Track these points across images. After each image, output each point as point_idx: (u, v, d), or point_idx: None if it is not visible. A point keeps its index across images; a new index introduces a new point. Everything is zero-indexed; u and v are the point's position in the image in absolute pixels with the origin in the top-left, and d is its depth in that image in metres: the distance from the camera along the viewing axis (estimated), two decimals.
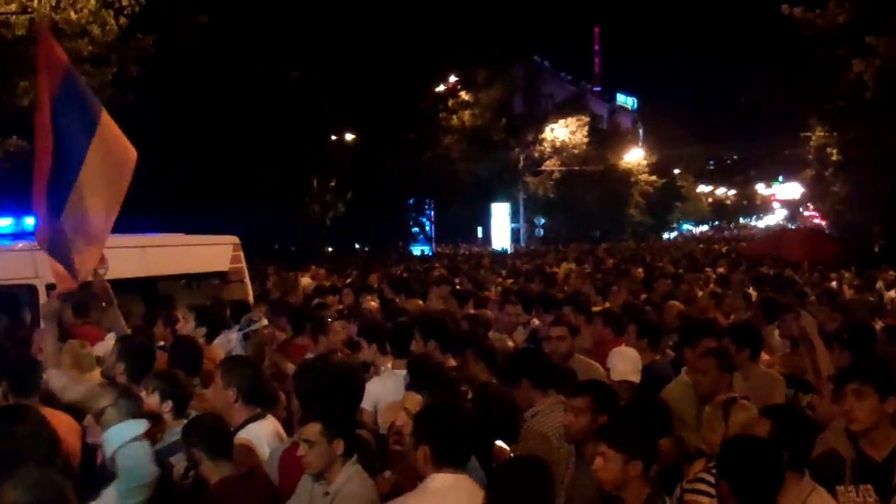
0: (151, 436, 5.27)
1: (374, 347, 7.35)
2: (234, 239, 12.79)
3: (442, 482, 4.06)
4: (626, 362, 6.49)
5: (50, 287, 9.27)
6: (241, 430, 5.25)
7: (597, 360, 7.40)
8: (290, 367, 7.33)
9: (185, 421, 5.38)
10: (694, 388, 6.05)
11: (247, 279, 12.96)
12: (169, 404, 5.44)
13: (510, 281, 17.70)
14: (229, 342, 8.82)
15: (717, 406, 5.04)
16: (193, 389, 5.99)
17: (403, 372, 6.19)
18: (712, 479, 4.35)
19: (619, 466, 4.19)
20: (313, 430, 4.51)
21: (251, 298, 12.38)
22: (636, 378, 6.49)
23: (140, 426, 4.06)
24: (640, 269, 21.24)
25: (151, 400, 5.41)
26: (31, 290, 9.50)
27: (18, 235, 10.35)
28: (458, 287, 14.77)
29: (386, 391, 6.28)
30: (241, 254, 12.83)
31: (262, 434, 5.31)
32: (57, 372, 4.36)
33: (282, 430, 5.57)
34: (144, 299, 10.76)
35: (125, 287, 10.22)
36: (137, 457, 3.95)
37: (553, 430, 5.46)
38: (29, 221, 10.05)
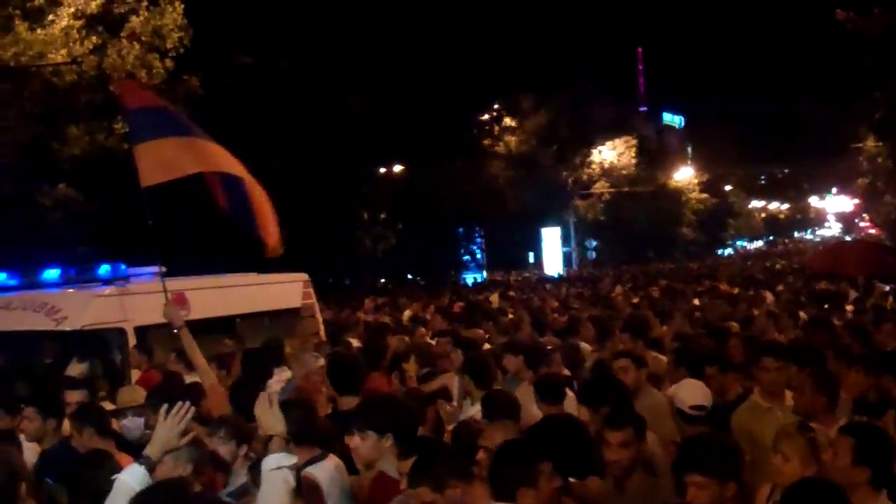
0: (217, 480, 5.35)
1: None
2: (304, 276, 13.28)
3: None
4: (691, 392, 6.26)
5: (139, 329, 9.54)
6: (305, 469, 5.20)
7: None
8: None
9: (249, 463, 5.43)
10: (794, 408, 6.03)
11: (318, 314, 13.36)
12: (245, 448, 5.52)
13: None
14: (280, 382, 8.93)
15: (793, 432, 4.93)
16: (254, 433, 6.03)
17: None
18: None
19: (715, 492, 4.22)
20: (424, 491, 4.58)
21: (323, 333, 12.71)
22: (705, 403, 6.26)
23: (291, 459, 4.42)
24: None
25: (227, 446, 5.47)
26: (122, 332, 9.82)
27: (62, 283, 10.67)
28: (511, 315, 14.73)
29: None
30: (312, 290, 13.29)
31: (320, 474, 5.26)
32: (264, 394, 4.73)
33: (343, 469, 5.54)
34: (227, 338, 10.94)
35: (207, 327, 10.62)
36: (278, 486, 4.28)
37: None
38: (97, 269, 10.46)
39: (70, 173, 20.65)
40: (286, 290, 12.88)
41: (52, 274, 10.88)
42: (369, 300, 18.73)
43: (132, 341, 9.82)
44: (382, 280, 41.59)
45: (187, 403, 4.34)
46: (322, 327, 13.32)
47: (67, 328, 9.55)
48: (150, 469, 4.20)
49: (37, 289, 10.59)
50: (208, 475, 5.26)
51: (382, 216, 37.86)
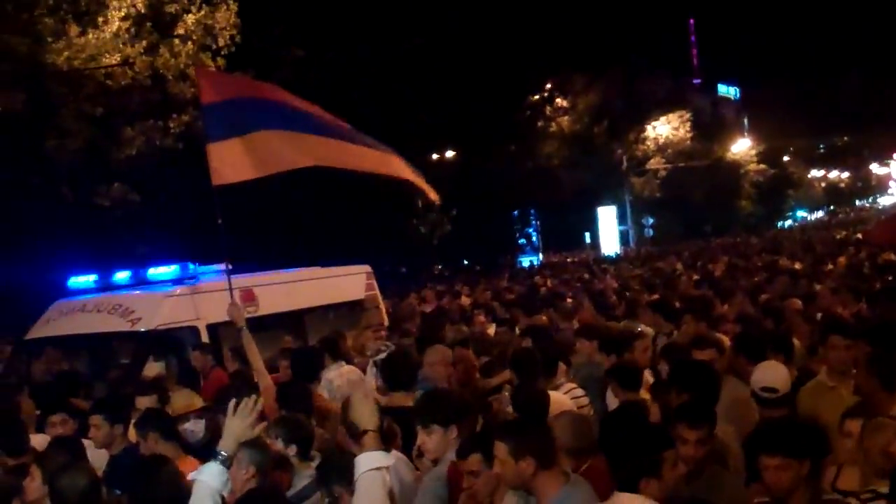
0: (283, 481, 5.41)
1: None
2: (367, 268, 13.56)
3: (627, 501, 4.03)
4: (765, 373, 6.15)
5: (210, 327, 9.70)
6: None
7: None
8: None
9: (312, 464, 5.48)
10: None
11: (381, 305, 13.54)
12: (294, 448, 5.55)
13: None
14: (342, 376, 9.01)
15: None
16: (313, 431, 6.08)
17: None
18: None
19: (794, 473, 4.28)
20: (475, 460, 4.66)
21: (386, 323, 12.88)
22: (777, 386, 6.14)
23: (389, 459, 4.21)
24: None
25: (276, 445, 5.51)
26: (194, 331, 10.07)
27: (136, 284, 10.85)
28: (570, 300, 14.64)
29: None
30: (374, 281, 13.51)
31: (392, 461, 5.31)
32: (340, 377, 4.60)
33: (405, 464, 5.58)
34: (294, 332, 11.31)
35: (277, 321, 10.86)
36: (377, 485, 4.07)
37: None
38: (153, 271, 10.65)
39: (126, 174, 20.92)
40: (350, 283, 13.09)
41: (123, 276, 11.09)
42: (428, 289, 18.75)
43: (205, 339, 10.06)
44: (439, 267, 41.63)
45: (254, 397, 4.31)
46: (386, 318, 13.48)
47: (142, 329, 9.81)
48: (227, 465, 4.13)
49: (110, 291, 10.82)
50: (274, 476, 5.32)
51: (436, 203, 37.85)
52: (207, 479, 4.08)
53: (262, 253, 20.62)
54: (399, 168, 8.62)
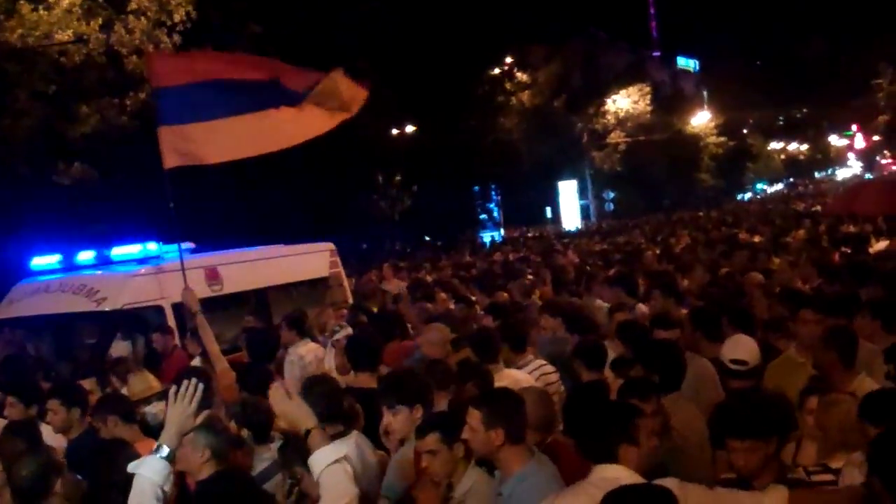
0: (243, 464, 5.37)
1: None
2: (330, 245, 13.60)
3: (609, 472, 3.98)
4: (735, 346, 6.19)
5: (176, 307, 9.71)
6: None
7: None
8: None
9: (271, 446, 5.46)
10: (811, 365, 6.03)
11: (345, 282, 13.56)
12: (247, 431, 5.53)
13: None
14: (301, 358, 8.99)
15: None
16: (273, 415, 6.04)
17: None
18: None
19: (762, 453, 4.33)
20: (433, 439, 4.66)
21: (350, 302, 12.78)
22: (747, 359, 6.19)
23: (342, 449, 4.11)
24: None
25: (233, 428, 5.48)
26: (160, 310, 10.09)
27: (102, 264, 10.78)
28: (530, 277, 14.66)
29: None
30: (338, 258, 13.55)
31: (349, 449, 5.27)
32: (277, 385, 4.43)
33: (367, 445, 5.56)
34: (259, 310, 11.34)
35: (242, 300, 10.84)
36: (339, 478, 3.98)
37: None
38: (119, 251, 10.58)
39: (84, 152, 20.63)
40: (314, 260, 13.11)
41: (87, 256, 11.08)
42: (387, 266, 18.68)
43: (170, 318, 10.03)
44: (400, 243, 41.57)
45: (194, 381, 4.16)
46: (350, 296, 13.47)
47: (107, 308, 9.80)
48: (169, 458, 4.01)
49: (74, 271, 10.79)
50: (233, 457, 5.28)
51: (397, 178, 37.77)
52: (148, 473, 3.96)
53: (220, 231, 20.46)
54: (345, 103, 8.47)
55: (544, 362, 7.42)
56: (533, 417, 5.25)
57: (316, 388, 5.56)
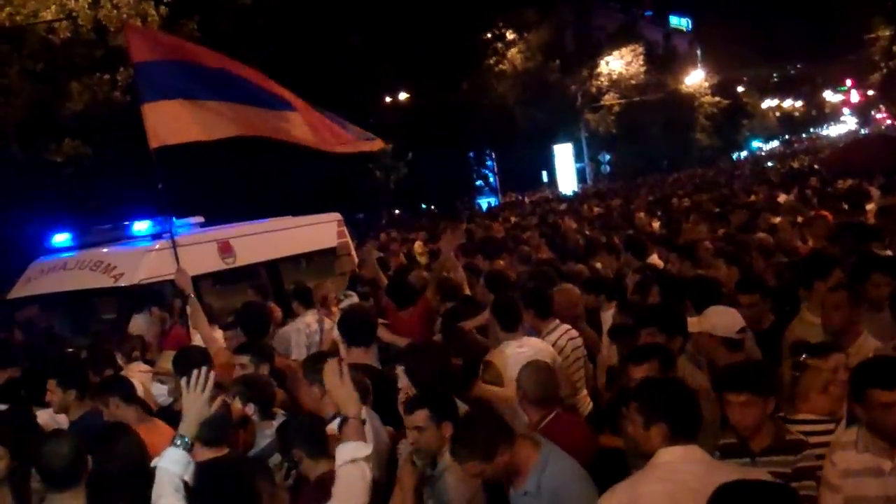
0: (244, 440, 5.35)
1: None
2: (337, 215, 13.55)
3: (672, 455, 3.86)
4: (731, 318, 6.10)
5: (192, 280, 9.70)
6: (330, 423, 5.14)
7: None
8: (400, 341, 7.52)
9: (273, 422, 5.43)
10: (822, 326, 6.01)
11: (353, 252, 13.46)
12: (252, 407, 5.49)
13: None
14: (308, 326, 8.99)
15: None
16: (275, 390, 6.03)
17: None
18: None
19: (760, 409, 4.42)
20: (421, 416, 4.66)
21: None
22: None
23: (367, 449, 3.99)
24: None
25: (236, 405, 5.45)
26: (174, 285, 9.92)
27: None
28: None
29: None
30: (346, 228, 13.54)
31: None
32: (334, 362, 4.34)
33: (376, 421, 5.51)
34: (271, 282, 11.43)
35: (254, 272, 11.08)
36: (356, 479, 3.91)
37: None
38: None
39: (76, 129, 20.52)
40: (322, 231, 13.08)
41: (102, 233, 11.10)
42: (384, 235, 18.65)
43: None
44: (397, 211, 41.49)
45: (205, 368, 4.16)
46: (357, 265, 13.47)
47: (125, 284, 9.74)
48: (188, 448, 3.99)
49: (89, 247, 10.74)
50: (236, 436, 5.26)
51: (391, 146, 37.60)
52: (166, 464, 3.95)
53: (221, 205, 20.36)
54: (334, 138, 8.54)
55: (569, 327, 7.34)
56: (535, 391, 5.27)
57: (318, 365, 5.53)
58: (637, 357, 5.22)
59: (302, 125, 8.35)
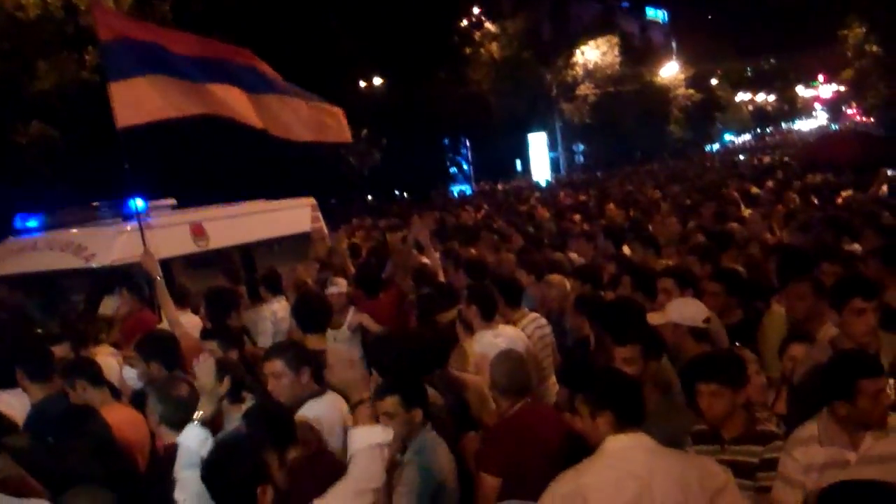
0: (214, 422, 5.29)
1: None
2: (312, 200, 13.60)
3: (620, 443, 3.89)
4: (698, 308, 6.12)
5: (162, 263, 9.54)
6: (301, 409, 5.19)
7: None
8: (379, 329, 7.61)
9: (241, 406, 5.38)
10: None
11: (327, 237, 13.48)
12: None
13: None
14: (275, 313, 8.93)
15: None
16: (244, 373, 5.96)
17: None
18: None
19: (729, 400, 4.49)
20: (391, 402, 4.62)
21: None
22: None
23: (387, 435, 4.04)
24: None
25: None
26: None
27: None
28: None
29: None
30: (320, 213, 13.58)
31: (321, 410, 5.21)
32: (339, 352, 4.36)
33: (344, 406, 5.49)
34: (244, 265, 11.38)
35: (226, 256, 11.09)
36: (375, 463, 3.96)
37: None
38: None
39: (43, 110, 20.23)
40: (296, 215, 13.12)
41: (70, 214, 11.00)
42: (357, 222, 18.55)
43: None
44: (370, 197, 41.34)
45: (205, 353, 4.46)
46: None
47: (96, 265, 9.66)
48: (207, 425, 4.19)
49: (58, 228, 10.63)
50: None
51: (365, 132, 37.42)
52: (185, 441, 4.12)
53: (192, 187, 20.17)
54: (305, 125, 8.47)
55: (538, 315, 7.46)
56: (505, 382, 5.28)
57: (292, 350, 5.50)
58: (622, 339, 5.31)
59: (269, 109, 8.24)
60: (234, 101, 8.11)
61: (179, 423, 4.71)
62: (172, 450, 4.63)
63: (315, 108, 8.73)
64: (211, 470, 3.80)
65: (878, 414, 4.13)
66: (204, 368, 4.29)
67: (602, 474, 3.78)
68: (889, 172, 18.35)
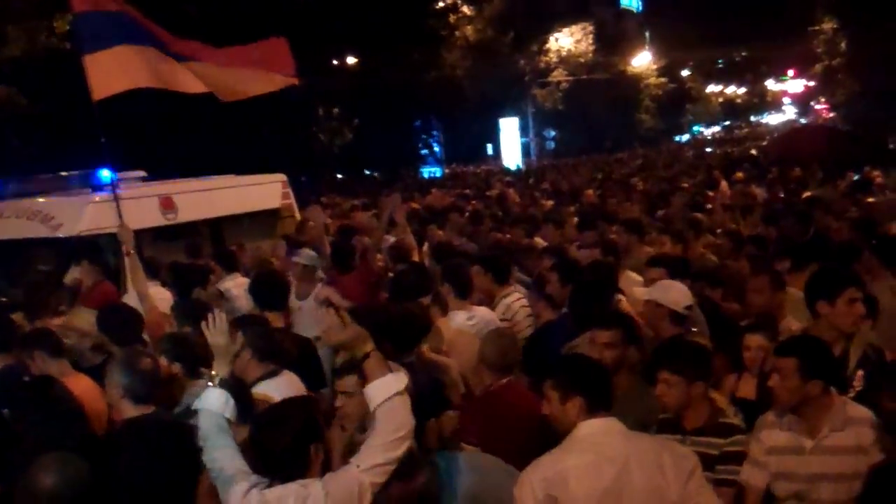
0: (171, 397, 5.26)
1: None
2: (282, 176, 13.44)
3: (593, 428, 3.91)
4: (681, 292, 6.14)
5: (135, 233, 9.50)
6: (254, 387, 5.19)
7: None
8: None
9: (200, 381, 5.35)
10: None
11: (297, 214, 13.37)
12: (178, 366, 5.42)
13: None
14: (238, 286, 8.87)
15: None
16: (203, 348, 5.93)
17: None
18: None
19: (682, 390, 4.53)
20: (351, 382, 4.56)
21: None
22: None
23: (402, 382, 3.87)
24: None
25: (163, 362, 5.36)
26: (115, 238, 9.49)
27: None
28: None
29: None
30: (290, 190, 13.44)
31: (275, 390, 5.19)
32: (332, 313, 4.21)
33: (300, 384, 5.48)
34: (211, 240, 11.35)
35: (194, 229, 11.06)
36: (401, 411, 3.80)
37: None
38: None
39: (11, 76, 19.93)
40: (267, 191, 13.01)
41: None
42: (326, 200, 18.50)
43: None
44: (339, 175, 41.15)
45: (217, 311, 4.26)
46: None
47: (63, 235, 9.55)
48: (224, 386, 4.07)
49: (26, 196, 10.49)
50: (161, 393, 5.16)
51: (336, 111, 37.22)
52: (207, 405, 3.99)
53: (163, 161, 19.97)
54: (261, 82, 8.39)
55: (523, 293, 7.59)
56: (494, 357, 5.36)
57: (248, 328, 5.46)
58: (603, 322, 5.37)
59: (231, 79, 8.21)
60: (191, 75, 8.05)
61: (144, 397, 4.68)
62: (133, 423, 4.62)
63: (257, 50, 8.57)
64: (264, 430, 3.74)
65: (853, 320, 4.91)
66: (219, 327, 4.21)
67: (580, 459, 3.80)
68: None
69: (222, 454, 3.84)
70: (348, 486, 3.60)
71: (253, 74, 8.47)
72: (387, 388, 3.82)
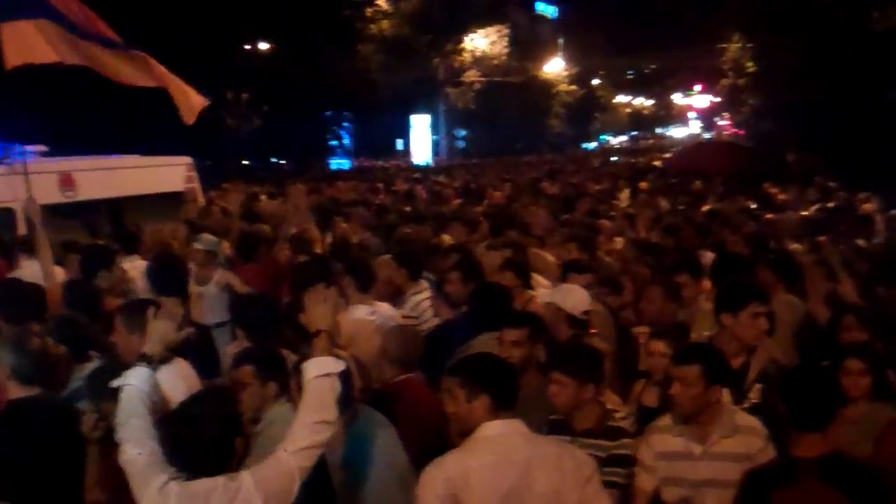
0: (59, 381, 5.07)
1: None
2: (188, 159, 13.35)
3: (496, 429, 3.89)
4: (581, 298, 6.22)
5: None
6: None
7: None
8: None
9: (88, 364, 5.19)
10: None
11: (201, 198, 13.32)
12: (64, 348, 5.22)
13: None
14: (135, 269, 8.63)
15: None
16: (93, 332, 5.73)
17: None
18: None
19: (572, 391, 4.60)
20: (246, 372, 4.63)
21: None
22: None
23: (339, 366, 3.83)
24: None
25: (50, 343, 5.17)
26: (10, 213, 9.57)
27: None
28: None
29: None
30: (195, 173, 13.33)
31: (166, 377, 5.02)
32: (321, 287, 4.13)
33: (192, 373, 5.31)
34: (111, 220, 11.16)
35: (94, 208, 10.86)
36: (327, 394, 3.75)
37: None
38: None
39: None
40: (170, 173, 12.85)
41: None
42: (231, 185, 18.18)
43: (20, 223, 9.38)
44: (245, 162, 40.57)
45: (173, 299, 4.51)
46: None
47: None
48: (154, 368, 4.04)
49: None
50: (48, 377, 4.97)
51: (246, 96, 36.68)
52: (135, 381, 3.93)
53: (68, 136, 19.33)
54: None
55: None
56: (397, 352, 5.41)
57: (137, 313, 5.28)
58: (511, 321, 5.47)
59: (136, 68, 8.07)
60: (104, 58, 7.85)
61: (31, 378, 4.62)
62: (17, 404, 4.51)
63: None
64: (185, 426, 3.57)
65: (755, 333, 5.10)
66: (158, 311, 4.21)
67: (483, 459, 3.80)
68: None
69: (139, 437, 3.72)
70: (278, 474, 3.54)
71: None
72: (324, 366, 3.80)
